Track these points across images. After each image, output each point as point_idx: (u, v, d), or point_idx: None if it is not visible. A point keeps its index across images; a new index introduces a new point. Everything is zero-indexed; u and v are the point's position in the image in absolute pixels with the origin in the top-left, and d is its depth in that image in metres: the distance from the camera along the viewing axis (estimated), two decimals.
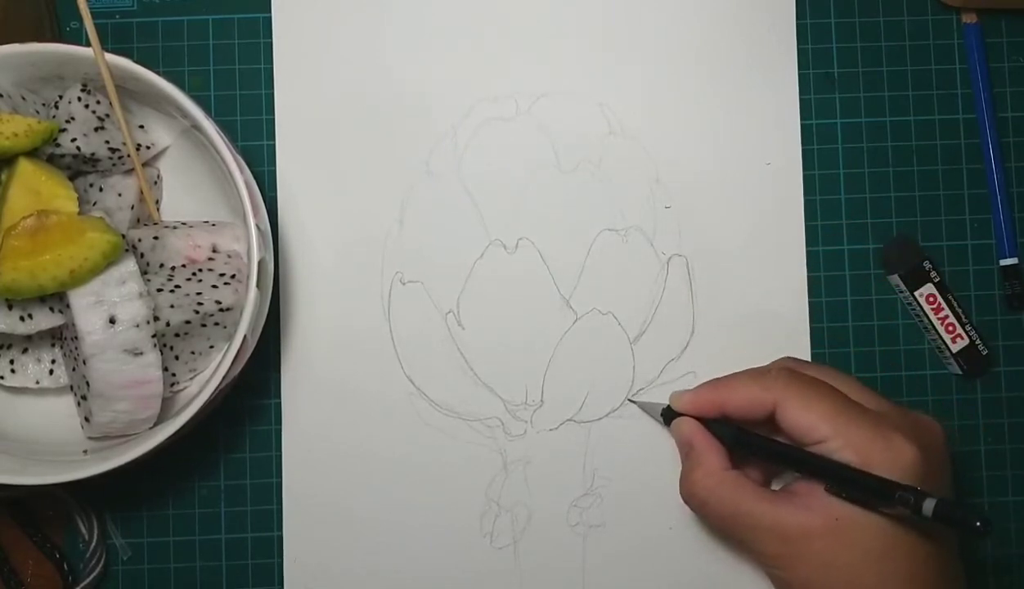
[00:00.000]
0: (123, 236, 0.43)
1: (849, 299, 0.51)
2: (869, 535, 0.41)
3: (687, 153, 0.50)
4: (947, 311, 0.50)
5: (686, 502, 0.46)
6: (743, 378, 0.46)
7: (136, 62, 0.43)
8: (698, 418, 0.46)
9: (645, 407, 0.50)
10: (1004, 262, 0.51)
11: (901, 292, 0.50)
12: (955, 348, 0.50)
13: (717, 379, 0.46)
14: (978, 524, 0.37)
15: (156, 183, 0.49)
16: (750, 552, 0.45)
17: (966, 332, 0.50)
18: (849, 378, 0.45)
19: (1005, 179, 0.51)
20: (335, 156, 0.50)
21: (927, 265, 0.50)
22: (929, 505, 0.38)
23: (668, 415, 0.48)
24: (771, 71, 0.51)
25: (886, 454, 0.41)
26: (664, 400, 0.49)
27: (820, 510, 0.42)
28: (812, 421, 0.42)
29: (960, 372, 0.50)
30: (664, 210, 0.50)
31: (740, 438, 0.45)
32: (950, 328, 0.50)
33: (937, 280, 0.50)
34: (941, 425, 0.44)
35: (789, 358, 0.48)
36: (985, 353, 0.50)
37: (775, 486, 0.48)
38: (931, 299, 0.50)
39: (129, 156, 0.46)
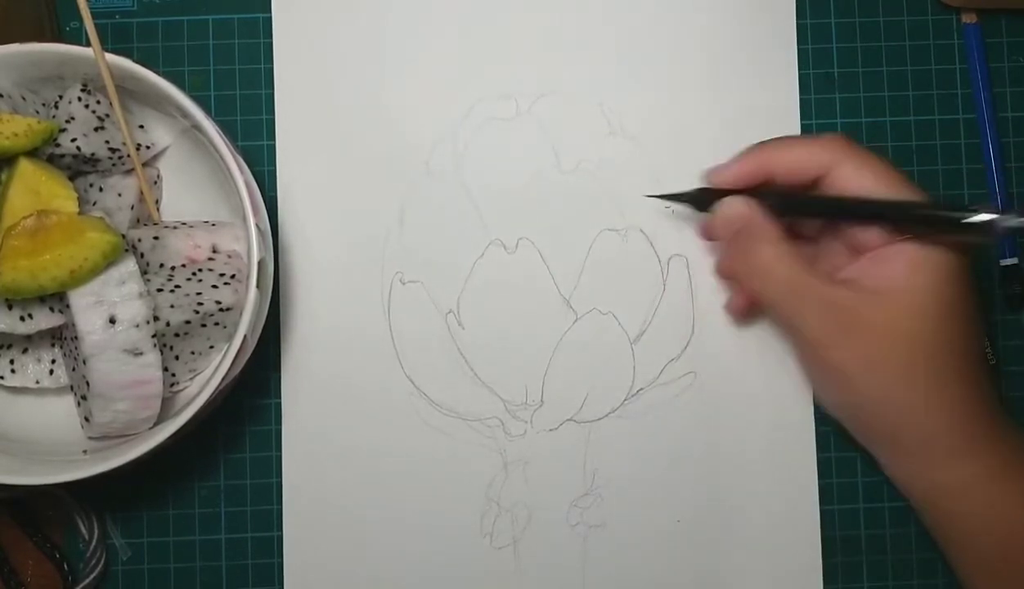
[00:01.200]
0: (123, 236, 0.43)
1: None
2: (921, 303, 0.42)
3: (687, 153, 0.50)
4: None
5: (742, 274, 0.46)
6: (792, 139, 0.45)
7: (136, 62, 0.43)
8: (743, 192, 0.45)
9: (668, 198, 0.48)
10: (1004, 262, 0.51)
11: None
12: None
13: (760, 143, 0.45)
14: None
15: (156, 183, 0.49)
16: (799, 330, 0.44)
17: None
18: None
19: (1005, 179, 0.51)
20: (335, 156, 0.50)
21: None
22: (1010, 219, 0.38)
23: (702, 198, 0.46)
24: (771, 71, 0.51)
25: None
26: (664, 400, 0.49)
27: (874, 285, 0.42)
28: (869, 183, 0.42)
29: None
30: (664, 210, 0.50)
31: (790, 203, 0.44)
32: None
33: None
34: None
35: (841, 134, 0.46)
36: (992, 363, 0.50)
37: None
38: None
39: (129, 156, 0.46)
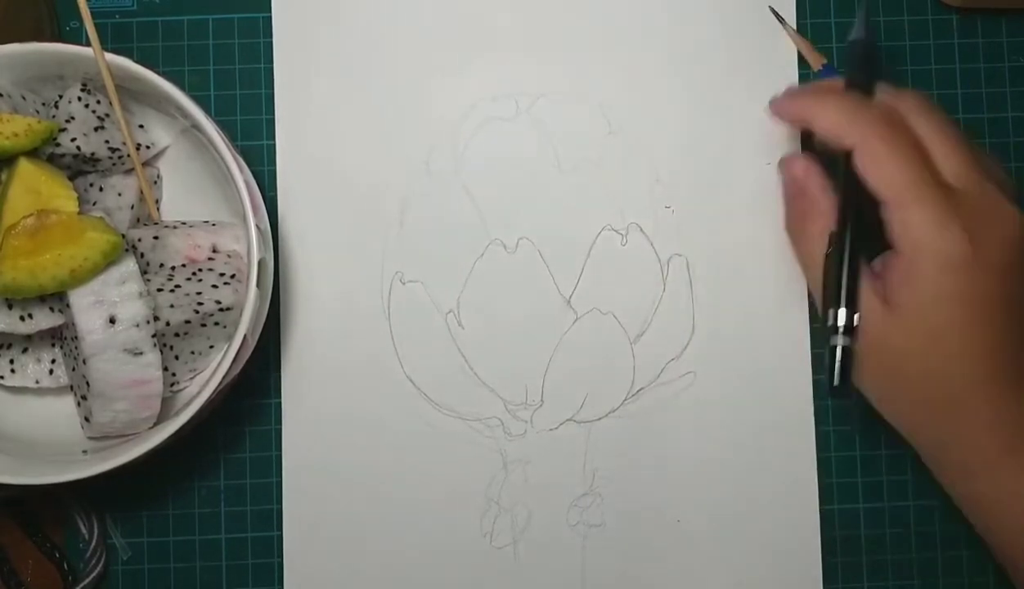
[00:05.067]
0: (123, 236, 0.43)
1: None
2: (928, 314, 0.40)
3: (687, 153, 0.50)
4: None
5: (794, 247, 0.44)
6: (837, 103, 0.43)
7: (136, 62, 0.43)
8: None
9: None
10: None
11: None
12: None
13: (816, 91, 0.44)
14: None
15: (156, 183, 0.49)
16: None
17: None
18: (948, 132, 0.42)
19: None
20: (335, 156, 0.50)
21: None
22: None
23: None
24: (771, 71, 0.51)
25: (937, 241, 0.40)
26: (664, 400, 0.49)
27: (888, 296, 0.41)
28: (878, 182, 0.41)
29: None
30: (664, 210, 0.50)
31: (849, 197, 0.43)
32: None
33: None
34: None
35: (889, 88, 0.44)
36: None
37: None
38: None
39: (129, 156, 0.46)
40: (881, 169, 0.41)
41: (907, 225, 0.40)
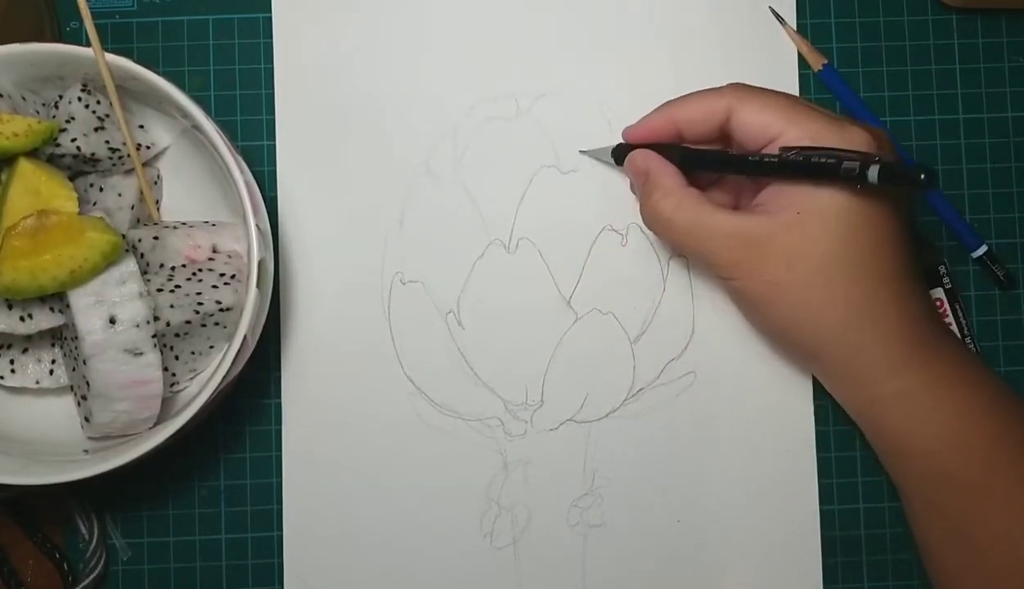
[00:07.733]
0: (123, 236, 0.43)
1: None
2: (831, 223, 0.42)
3: None
4: (951, 319, 0.50)
5: (650, 226, 0.46)
6: (694, 93, 0.46)
7: (136, 62, 0.43)
8: (652, 147, 0.46)
9: (595, 153, 0.50)
10: (976, 254, 0.51)
11: None
12: None
13: (667, 101, 0.46)
14: (922, 177, 0.37)
15: (156, 183, 0.49)
16: (712, 266, 0.44)
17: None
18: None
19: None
20: (335, 156, 0.50)
21: (942, 269, 0.50)
22: (874, 170, 0.39)
23: (620, 153, 0.48)
24: (771, 71, 0.51)
25: (841, 138, 0.41)
26: (664, 400, 0.49)
27: (780, 209, 0.42)
28: (767, 118, 0.43)
29: None
30: None
31: (688, 155, 0.45)
32: None
33: (948, 287, 0.50)
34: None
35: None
36: None
37: None
38: (938, 304, 0.50)
39: (129, 156, 0.46)
40: (766, 108, 0.43)
41: (809, 136, 0.42)
